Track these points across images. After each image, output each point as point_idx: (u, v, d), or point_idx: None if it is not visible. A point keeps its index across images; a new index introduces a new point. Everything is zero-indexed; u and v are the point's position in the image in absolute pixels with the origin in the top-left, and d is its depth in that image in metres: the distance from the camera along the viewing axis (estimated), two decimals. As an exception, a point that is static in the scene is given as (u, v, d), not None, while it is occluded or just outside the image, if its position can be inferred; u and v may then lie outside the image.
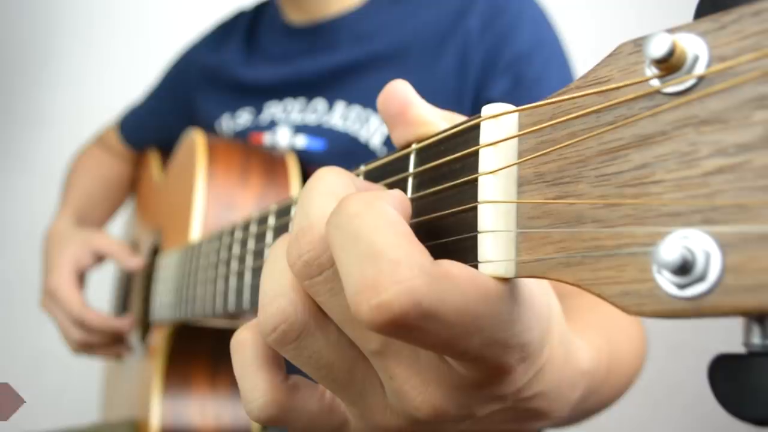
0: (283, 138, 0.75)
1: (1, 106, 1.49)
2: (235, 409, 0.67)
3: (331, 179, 0.25)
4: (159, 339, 0.72)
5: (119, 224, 1.12)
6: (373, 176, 0.30)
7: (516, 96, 0.65)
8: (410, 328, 0.20)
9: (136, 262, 0.84)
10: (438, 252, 0.24)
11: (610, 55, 0.20)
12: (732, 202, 0.16)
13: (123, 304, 0.97)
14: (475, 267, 0.22)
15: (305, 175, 0.72)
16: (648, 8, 1.24)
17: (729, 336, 0.33)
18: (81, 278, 0.85)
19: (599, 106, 0.20)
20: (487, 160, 0.23)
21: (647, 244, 0.18)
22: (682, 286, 0.17)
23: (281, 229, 0.40)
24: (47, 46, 1.50)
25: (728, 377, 0.17)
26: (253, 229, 0.45)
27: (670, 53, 0.17)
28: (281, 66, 0.80)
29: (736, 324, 0.17)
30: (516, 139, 0.23)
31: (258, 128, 0.78)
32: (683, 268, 0.16)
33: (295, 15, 0.81)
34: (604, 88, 0.20)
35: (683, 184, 0.17)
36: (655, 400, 1.27)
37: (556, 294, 0.29)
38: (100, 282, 1.03)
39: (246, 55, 0.85)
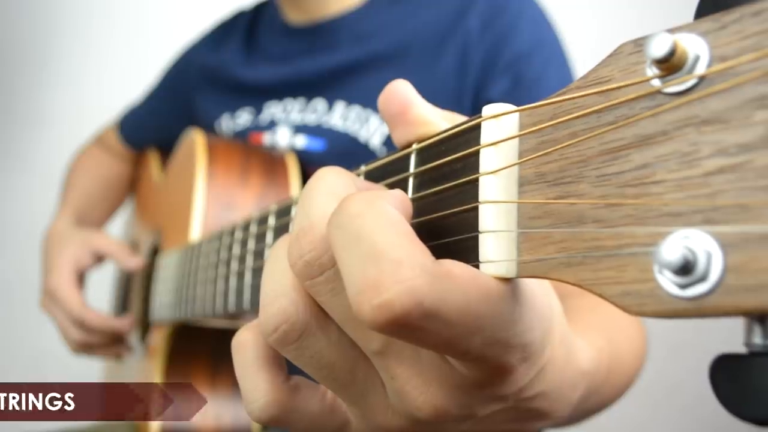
0: (282, 138, 0.75)
1: (1, 106, 1.49)
2: (235, 409, 0.67)
3: (331, 179, 0.25)
4: (159, 339, 0.72)
5: (119, 224, 1.12)
6: (373, 176, 0.30)
7: (516, 96, 0.65)
8: (412, 327, 0.20)
9: (135, 262, 0.84)
10: (439, 252, 0.24)
11: (610, 55, 0.20)
12: (733, 202, 0.16)
13: (123, 304, 0.97)
14: (477, 267, 0.22)
15: (305, 175, 0.72)
16: (648, 8, 1.24)
17: (730, 336, 0.33)
18: (81, 278, 0.85)
19: (600, 106, 0.20)
20: (488, 160, 0.23)
21: (648, 244, 0.18)
22: (683, 286, 0.17)
23: (281, 230, 0.40)
24: (47, 46, 1.50)
25: (730, 377, 0.17)
26: (254, 229, 0.45)
27: (671, 53, 0.17)
28: (281, 66, 0.80)
29: (737, 324, 0.17)
30: (517, 139, 0.23)
31: (258, 128, 0.78)
32: (684, 268, 0.16)
33: (295, 15, 0.81)
34: (604, 88, 0.20)
35: (684, 184, 0.17)
36: (655, 400, 1.27)
37: (557, 294, 0.29)
38: (100, 282, 1.03)
39: (246, 55, 0.85)
